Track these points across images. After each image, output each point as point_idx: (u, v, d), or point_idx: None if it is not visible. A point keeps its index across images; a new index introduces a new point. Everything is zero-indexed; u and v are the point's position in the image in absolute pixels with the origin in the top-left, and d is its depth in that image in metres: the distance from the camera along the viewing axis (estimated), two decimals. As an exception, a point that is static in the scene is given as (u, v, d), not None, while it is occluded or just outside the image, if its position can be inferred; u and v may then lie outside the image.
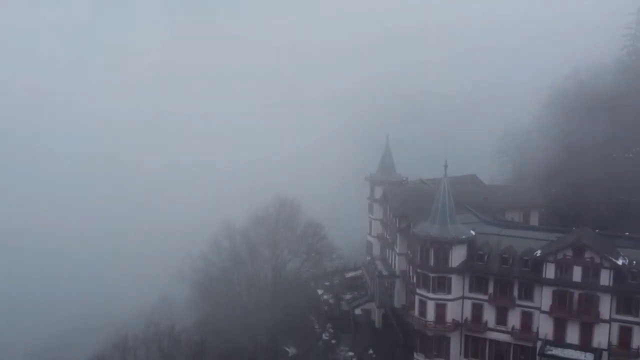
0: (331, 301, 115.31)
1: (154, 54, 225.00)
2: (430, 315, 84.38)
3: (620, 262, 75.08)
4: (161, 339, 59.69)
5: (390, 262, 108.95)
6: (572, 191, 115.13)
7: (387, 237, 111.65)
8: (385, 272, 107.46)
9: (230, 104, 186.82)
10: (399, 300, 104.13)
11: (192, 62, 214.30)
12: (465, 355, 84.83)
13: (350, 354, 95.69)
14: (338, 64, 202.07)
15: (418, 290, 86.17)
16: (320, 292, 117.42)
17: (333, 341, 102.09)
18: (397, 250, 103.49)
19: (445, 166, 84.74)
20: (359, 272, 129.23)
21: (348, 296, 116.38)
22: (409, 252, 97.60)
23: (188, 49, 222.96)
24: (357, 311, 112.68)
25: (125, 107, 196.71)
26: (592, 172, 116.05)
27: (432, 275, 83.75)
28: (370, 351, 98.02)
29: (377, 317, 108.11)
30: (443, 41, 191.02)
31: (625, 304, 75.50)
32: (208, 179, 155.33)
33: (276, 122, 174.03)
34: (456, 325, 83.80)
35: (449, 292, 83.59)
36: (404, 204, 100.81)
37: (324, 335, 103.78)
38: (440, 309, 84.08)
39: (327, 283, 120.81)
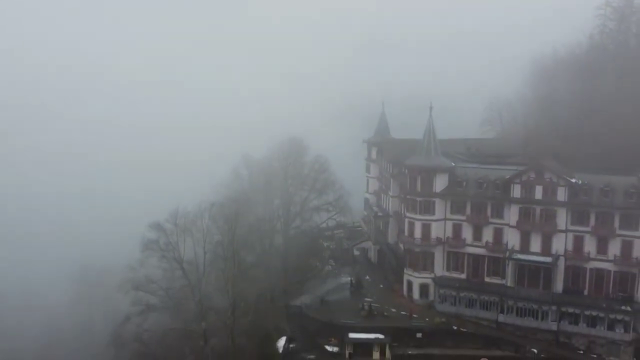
0: (332, 246, 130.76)
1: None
2: (418, 234, 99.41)
3: (573, 180, 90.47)
4: (203, 213, 74.22)
5: (384, 205, 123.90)
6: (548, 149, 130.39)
7: (382, 186, 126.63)
8: (380, 214, 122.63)
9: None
10: (392, 237, 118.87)
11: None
12: (447, 268, 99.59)
13: (349, 278, 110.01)
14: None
15: (407, 214, 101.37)
16: (325, 244, 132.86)
17: (335, 270, 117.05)
18: (391, 194, 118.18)
19: (431, 107, 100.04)
20: (357, 225, 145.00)
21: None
22: (401, 194, 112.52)
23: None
24: (356, 251, 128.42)
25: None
26: (565, 133, 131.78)
27: (418, 199, 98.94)
28: (367, 277, 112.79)
29: (373, 253, 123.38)
30: (437, 27, 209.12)
31: (578, 216, 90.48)
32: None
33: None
34: (439, 242, 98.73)
35: (433, 213, 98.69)
36: (396, 152, 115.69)
37: (326, 267, 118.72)
38: (426, 228, 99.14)
39: (328, 233, 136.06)
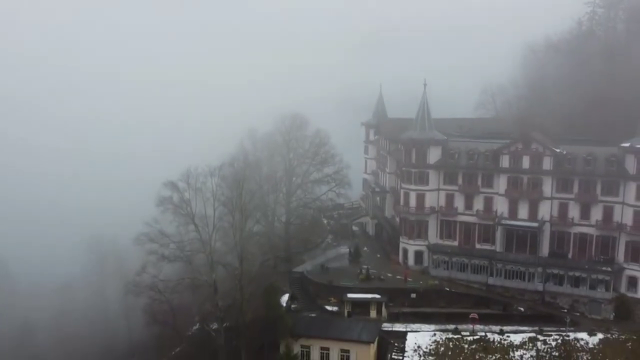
0: (332, 222, 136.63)
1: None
2: (412, 203, 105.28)
3: (558, 150, 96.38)
4: (213, 173, 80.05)
5: (382, 182, 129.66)
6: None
7: (380, 164, 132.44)
8: (377, 189, 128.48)
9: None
10: (389, 212, 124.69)
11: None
12: (440, 236, 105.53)
13: (348, 249, 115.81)
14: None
15: (403, 185, 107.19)
16: (325, 221, 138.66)
17: (334, 243, 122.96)
18: (388, 170, 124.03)
19: (425, 84, 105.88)
20: (356, 206, 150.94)
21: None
22: (397, 170, 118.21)
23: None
24: (355, 227, 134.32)
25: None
26: (555, 114, 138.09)
27: (413, 170, 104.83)
28: (365, 248, 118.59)
29: (371, 227, 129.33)
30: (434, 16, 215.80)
31: (563, 184, 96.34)
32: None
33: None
34: (433, 210, 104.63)
35: (427, 184, 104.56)
36: (393, 130, 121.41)
37: (326, 240, 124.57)
38: (420, 198, 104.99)
39: (328, 214, 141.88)
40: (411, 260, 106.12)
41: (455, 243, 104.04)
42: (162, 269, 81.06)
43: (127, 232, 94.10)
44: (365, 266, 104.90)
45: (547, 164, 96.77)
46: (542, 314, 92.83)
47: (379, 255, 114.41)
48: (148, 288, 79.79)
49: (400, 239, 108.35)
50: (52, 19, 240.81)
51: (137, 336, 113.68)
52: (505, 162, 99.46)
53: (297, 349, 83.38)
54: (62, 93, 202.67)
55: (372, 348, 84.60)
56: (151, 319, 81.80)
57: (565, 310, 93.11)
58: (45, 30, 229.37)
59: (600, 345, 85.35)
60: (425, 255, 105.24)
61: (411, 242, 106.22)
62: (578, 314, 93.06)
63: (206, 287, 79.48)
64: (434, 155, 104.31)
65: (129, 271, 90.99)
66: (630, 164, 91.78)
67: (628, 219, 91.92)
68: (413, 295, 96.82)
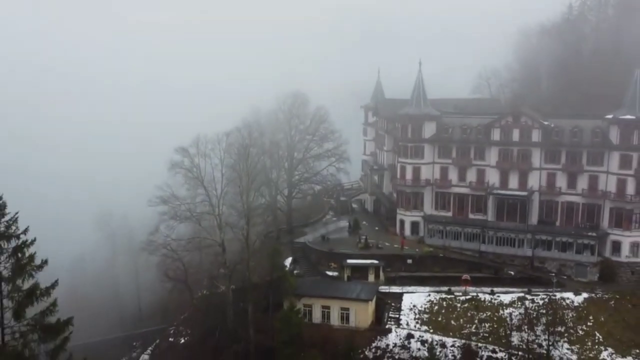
0: (332, 200, 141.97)
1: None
2: (409, 176, 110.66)
3: (546, 123, 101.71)
4: (220, 139, 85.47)
5: (380, 160, 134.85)
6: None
7: (378, 144, 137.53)
8: (375, 167, 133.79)
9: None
10: (387, 188, 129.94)
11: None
12: (435, 207, 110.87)
13: (348, 222, 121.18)
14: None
15: (399, 159, 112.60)
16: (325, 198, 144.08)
17: (334, 218, 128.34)
18: (385, 148, 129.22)
19: (420, 63, 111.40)
20: (356, 185, 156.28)
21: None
22: (394, 147, 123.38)
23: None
24: (354, 205, 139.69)
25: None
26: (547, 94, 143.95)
27: (409, 145, 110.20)
28: (364, 222, 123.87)
29: (369, 203, 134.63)
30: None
31: (550, 156, 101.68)
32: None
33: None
34: (428, 183, 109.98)
35: (423, 157, 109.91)
36: (391, 109, 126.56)
37: (326, 216, 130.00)
38: (416, 171, 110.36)
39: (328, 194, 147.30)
40: (408, 231, 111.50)
41: (450, 213, 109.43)
42: (174, 229, 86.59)
43: (136, 208, 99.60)
44: (363, 236, 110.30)
45: (535, 136, 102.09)
46: (531, 277, 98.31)
47: (377, 228, 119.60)
48: (161, 246, 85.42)
49: (397, 211, 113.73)
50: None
51: (147, 309, 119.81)
52: (496, 135, 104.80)
53: (299, 307, 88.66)
54: (74, 65, 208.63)
55: (371, 306, 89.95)
56: (165, 276, 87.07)
57: (553, 274, 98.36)
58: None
59: (585, 304, 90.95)
60: (421, 226, 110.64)
61: (408, 213, 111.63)
62: (565, 277, 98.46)
63: (215, 246, 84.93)
64: (428, 130, 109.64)
65: (138, 245, 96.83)
66: (613, 135, 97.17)
67: (612, 186, 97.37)
68: (409, 261, 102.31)
